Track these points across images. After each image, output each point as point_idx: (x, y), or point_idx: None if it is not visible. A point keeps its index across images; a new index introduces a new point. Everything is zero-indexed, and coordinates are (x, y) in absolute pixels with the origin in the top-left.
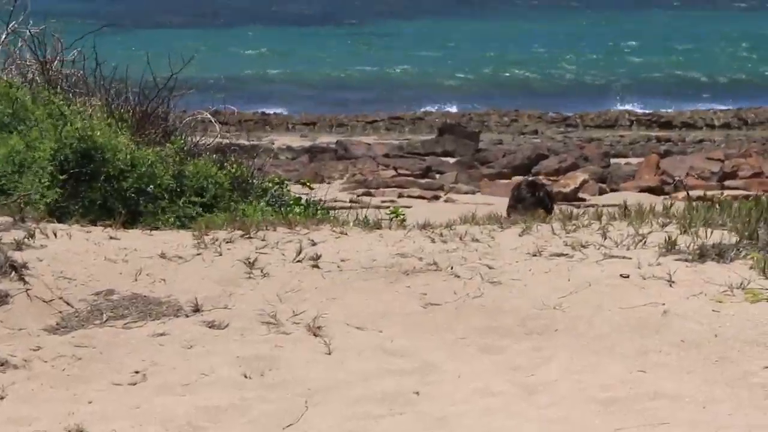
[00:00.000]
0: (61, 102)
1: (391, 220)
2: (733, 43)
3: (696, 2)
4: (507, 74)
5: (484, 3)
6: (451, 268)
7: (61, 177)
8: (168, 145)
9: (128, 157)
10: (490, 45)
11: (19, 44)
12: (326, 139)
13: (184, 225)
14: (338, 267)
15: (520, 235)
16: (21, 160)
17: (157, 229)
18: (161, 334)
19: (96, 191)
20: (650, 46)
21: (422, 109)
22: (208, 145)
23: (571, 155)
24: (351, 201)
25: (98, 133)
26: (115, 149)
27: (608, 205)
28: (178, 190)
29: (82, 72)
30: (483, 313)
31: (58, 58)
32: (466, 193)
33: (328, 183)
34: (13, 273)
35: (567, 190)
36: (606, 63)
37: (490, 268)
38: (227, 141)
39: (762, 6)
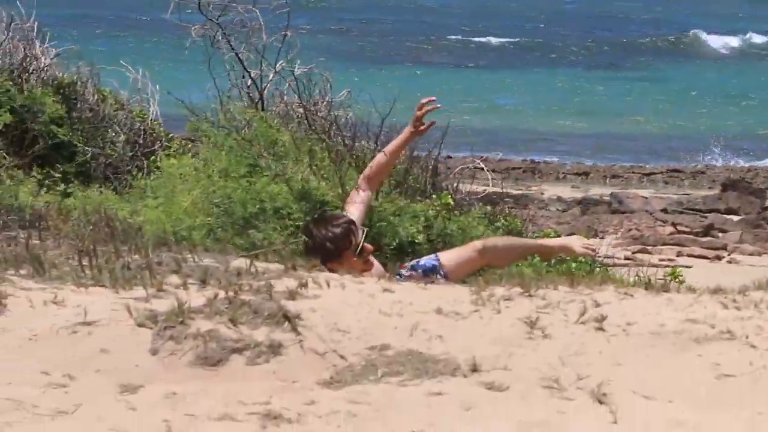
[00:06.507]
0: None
1: (669, 281)
2: None
3: None
4: None
5: None
6: (747, 337)
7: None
8: (434, 197)
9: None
10: None
11: (286, 85)
12: (599, 191)
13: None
14: (624, 331)
15: None
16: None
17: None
18: (438, 394)
19: None
20: None
21: (704, 163)
22: (478, 195)
23: None
24: (626, 258)
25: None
26: None
27: None
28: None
29: (351, 115)
30: None
31: (325, 99)
32: (751, 254)
33: (602, 237)
34: (287, 323)
35: None
36: None
37: None
38: (495, 190)
39: None
